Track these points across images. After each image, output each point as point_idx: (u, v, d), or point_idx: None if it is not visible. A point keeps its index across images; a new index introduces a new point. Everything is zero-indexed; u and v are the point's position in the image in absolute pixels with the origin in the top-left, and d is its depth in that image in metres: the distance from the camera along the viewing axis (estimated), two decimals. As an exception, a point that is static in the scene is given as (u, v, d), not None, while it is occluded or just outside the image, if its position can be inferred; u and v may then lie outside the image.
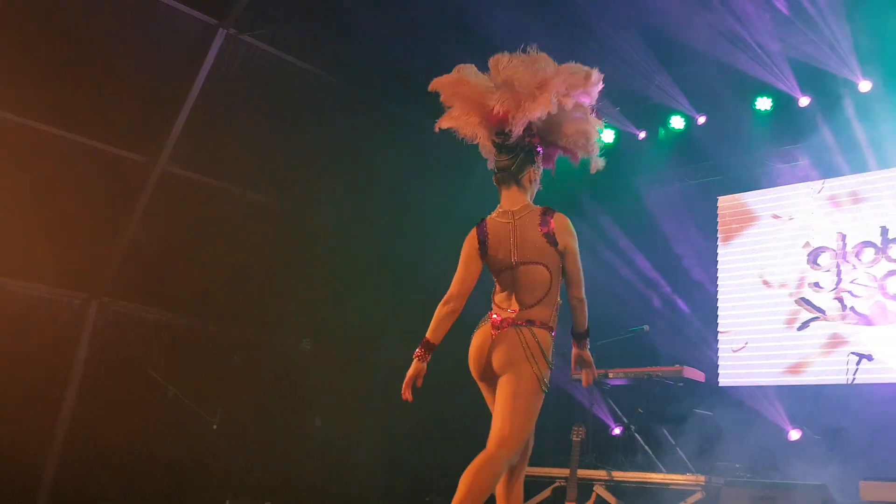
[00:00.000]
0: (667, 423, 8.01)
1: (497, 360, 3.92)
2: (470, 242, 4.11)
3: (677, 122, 9.81)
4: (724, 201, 9.78)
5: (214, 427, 8.27)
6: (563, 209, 4.11)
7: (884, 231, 8.57)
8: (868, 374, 7.52)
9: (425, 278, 9.18)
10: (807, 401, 8.26)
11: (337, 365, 9.40)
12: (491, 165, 4.20)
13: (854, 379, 7.21)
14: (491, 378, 3.99)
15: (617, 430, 8.52)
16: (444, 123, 4.24)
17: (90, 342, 8.14)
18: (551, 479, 7.31)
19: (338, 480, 8.70)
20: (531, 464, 8.00)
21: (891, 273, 8.41)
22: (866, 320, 8.41)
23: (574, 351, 4.12)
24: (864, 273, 8.58)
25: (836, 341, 8.51)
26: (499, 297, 4.06)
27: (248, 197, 8.83)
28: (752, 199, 9.57)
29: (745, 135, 9.28)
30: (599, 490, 7.21)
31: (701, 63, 8.88)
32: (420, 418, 9.02)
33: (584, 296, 4.01)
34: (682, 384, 7.93)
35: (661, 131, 9.99)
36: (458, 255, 4.12)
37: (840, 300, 8.67)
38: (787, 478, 7.06)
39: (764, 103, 9.15)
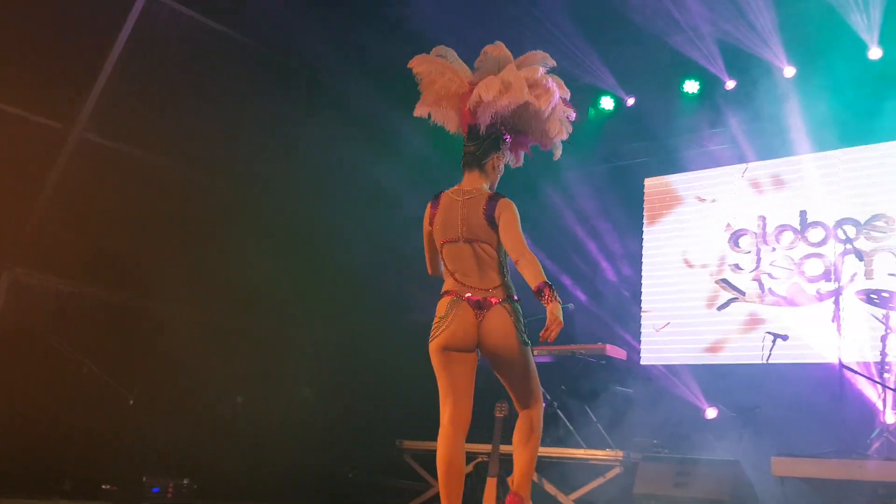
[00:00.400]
0: (588, 399, 8.13)
1: (493, 340, 4.17)
2: (425, 218, 4.35)
3: (607, 103, 10.01)
4: (650, 183, 10.02)
5: (131, 402, 8.14)
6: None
7: (802, 215, 8.89)
8: (783, 354, 7.80)
9: (345, 254, 9.26)
10: (724, 379, 8.51)
11: (258, 342, 9.30)
12: None
13: (769, 358, 7.47)
14: (465, 353, 4.23)
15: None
16: (419, 111, 4.43)
17: (1, 314, 7.94)
18: (474, 455, 7.31)
19: (259, 458, 8.66)
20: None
21: (808, 256, 8.75)
22: (784, 301, 8.75)
23: (551, 315, 4.19)
24: (783, 255, 8.90)
25: (753, 321, 8.83)
26: (458, 274, 4.25)
27: (167, 166, 8.66)
28: (678, 181, 9.82)
29: (673, 117, 9.50)
30: (519, 465, 7.37)
31: (631, 44, 9.08)
32: (340, 396, 9.15)
33: (525, 254, 4.12)
34: (604, 362, 8.09)
35: (591, 111, 10.10)
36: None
37: (759, 282, 8.99)
38: (703, 454, 7.24)
39: (691, 86, 9.38)
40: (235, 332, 9.14)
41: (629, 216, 9.94)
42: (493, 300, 4.15)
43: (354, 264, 9.37)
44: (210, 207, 8.88)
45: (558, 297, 4.03)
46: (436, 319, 4.22)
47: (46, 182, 7.97)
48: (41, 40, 7.56)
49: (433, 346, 4.21)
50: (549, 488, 7.16)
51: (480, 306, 4.15)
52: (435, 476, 7.91)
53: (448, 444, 4.17)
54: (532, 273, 4.05)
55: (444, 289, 4.31)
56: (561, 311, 4.02)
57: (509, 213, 4.19)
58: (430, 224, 4.32)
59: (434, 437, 4.36)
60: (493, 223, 4.16)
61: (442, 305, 4.23)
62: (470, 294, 4.17)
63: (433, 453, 8.10)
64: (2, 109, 7.66)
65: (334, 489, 8.66)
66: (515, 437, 4.34)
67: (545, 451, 7.30)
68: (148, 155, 8.54)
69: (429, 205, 4.34)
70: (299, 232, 9.35)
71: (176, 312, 8.82)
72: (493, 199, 4.21)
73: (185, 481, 8.13)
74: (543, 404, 4.43)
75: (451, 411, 4.19)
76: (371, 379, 9.35)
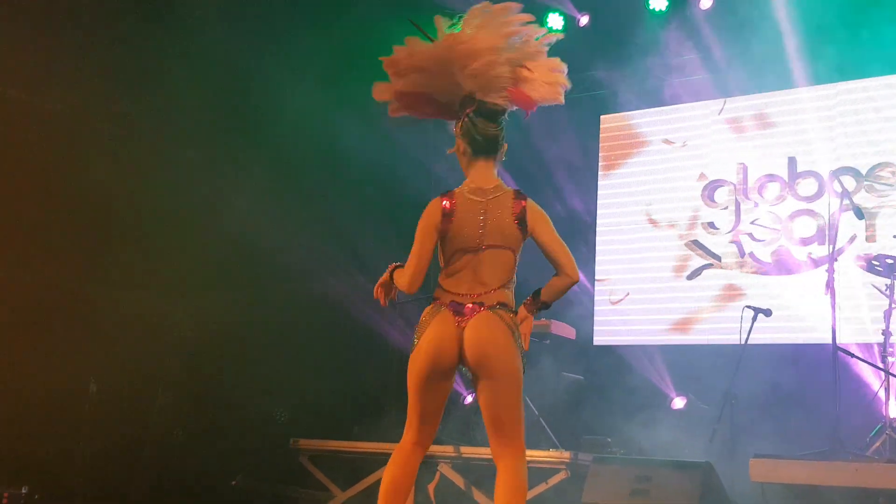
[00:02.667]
0: (528, 388, 7.90)
1: (477, 349, 3.99)
2: (432, 215, 4.13)
3: (555, 22, 9.74)
4: (607, 121, 9.88)
5: None
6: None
7: (792, 163, 8.79)
8: (765, 332, 7.69)
9: (229, 211, 9.02)
10: (694, 363, 8.43)
11: (122, 318, 9.08)
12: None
13: (749, 337, 7.36)
14: (445, 374, 4.09)
15: (469, 398, 8.57)
16: (397, 113, 4.36)
17: None
18: (383, 456, 7.27)
19: (119, 461, 8.46)
20: (360, 438, 8.08)
21: (798, 213, 8.66)
22: (767, 269, 8.66)
23: (524, 311, 4.19)
24: (767, 212, 8.81)
25: (731, 293, 8.76)
26: (449, 281, 4.13)
27: (60, 111, 8.49)
28: (641, 120, 9.68)
29: (636, 41, 9.32)
30: (444, 469, 7.20)
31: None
32: (221, 384, 8.94)
33: (577, 277, 4.20)
34: (548, 341, 7.99)
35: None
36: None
37: (738, 244, 8.89)
38: (667, 454, 7.19)
39: (659, 2, 9.23)
40: (89, 307, 8.85)
41: (581, 162, 9.82)
42: (492, 304, 4.05)
43: (239, 225, 9.11)
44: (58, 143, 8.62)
45: None
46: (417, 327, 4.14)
47: None
48: None
49: (410, 360, 4.12)
50: (480, 497, 7.06)
51: (464, 313, 4.04)
52: (340, 482, 7.89)
53: (401, 466, 4.10)
54: (561, 292, 4.27)
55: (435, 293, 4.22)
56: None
57: (544, 217, 4.24)
58: (446, 225, 4.14)
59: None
60: (523, 227, 4.16)
61: (425, 312, 4.18)
62: (457, 300, 4.09)
63: (337, 455, 7.97)
64: None
65: (215, 499, 8.41)
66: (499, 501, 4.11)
67: (473, 451, 7.19)
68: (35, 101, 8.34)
69: (443, 201, 4.16)
70: (173, 180, 9.06)
71: (24, 283, 8.54)
72: (519, 197, 4.20)
73: (24, 490, 7.96)
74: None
75: (416, 434, 4.11)
76: (259, 363, 9.18)
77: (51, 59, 8.45)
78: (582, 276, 9.43)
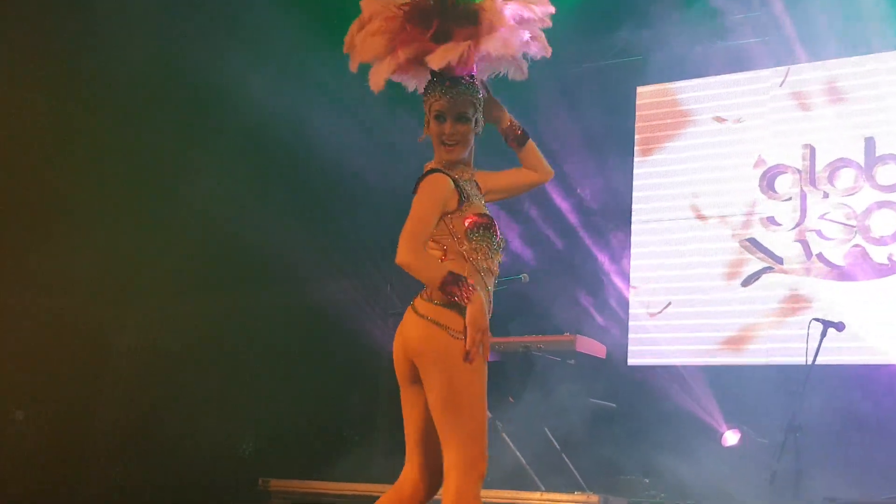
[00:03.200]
0: (550, 418, 7.95)
1: (401, 354, 4.20)
2: (449, 191, 4.20)
3: (586, -23, 9.77)
4: (645, 94, 9.81)
5: None
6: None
7: (869, 144, 8.70)
8: (838, 350, 7.61)
9: (184, 221, 9.01)
10: (750, 388, 8.37)
11: (56, 336, 9.08)
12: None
13: (816, 358, 7.31)
14: (406, 386, 4.21)
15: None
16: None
17: None
18: (373, 498, 7.24)
19: (51, 496, 8.48)
20: (345, 479, 8.04)
21: (877, 206, 8.57)
22: (839, 273, 8.58)
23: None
24: (840, 205, 8.73)
25: (794, 304, 8.66)
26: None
27: None
28: (686, 93, 9.60)
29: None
30: (447, 516, 7.18)
31: None
32: (175, 411, 8.91)
33: (399, 259, 4.13)
34: (572, 362, 7.96)
35: (565, -11, 9.89)
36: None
37: (804, 243, 8.81)
38: (717, 499, 7.13)
39: (706, -49, 9.18)
40: (41, 325, 8.89)
41: (613, 144, 9.76)
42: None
43: (196, 220, 9.11)
44: None
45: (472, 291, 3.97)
46: None
47: None
48: None
49: None
50: None
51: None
52: None
53: None
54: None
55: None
56: (484, 313, 3.98)
57: (419, 191, 4.25)
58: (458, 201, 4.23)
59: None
60: None
61: None
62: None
63: (317, 499, 7.94)
64: None
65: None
66: None
67: (487, 495, 7.10)
68: None
69: (452, 181, 4.24)
70: (114, 170, 9.09)
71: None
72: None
73: None
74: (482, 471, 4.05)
75: (408, 466, 4.19)
76: (221, 385, 9.15)
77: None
78: (615, 283, 9.48)
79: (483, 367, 4.03)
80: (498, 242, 4.20)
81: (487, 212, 4.23)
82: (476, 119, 4.28)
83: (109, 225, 8.97)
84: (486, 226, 4.14)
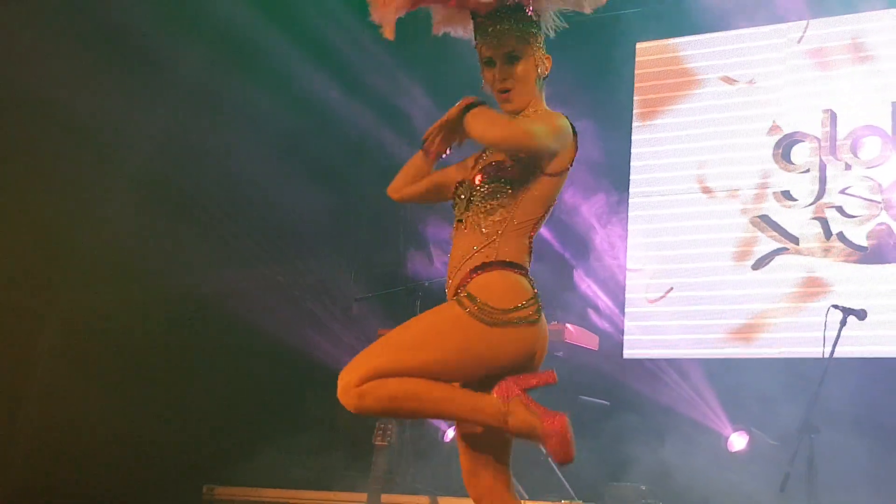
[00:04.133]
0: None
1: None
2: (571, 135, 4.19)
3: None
4: (646, 51, 9.87)
5: None
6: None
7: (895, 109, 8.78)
8: (859, 341, 7.64)
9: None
10: (760, 383, 8.34)
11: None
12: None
13: (835, 349, 7.32)
14: None
15: (450, 433, 8.54)
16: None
17: None
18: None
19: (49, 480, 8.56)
20: (289, 486, 8.06)
21: (906, 180, 8.62)
22: (862, 255, 8.59)
23: None
24: (864, 178, 8.76)
25: (812, 288, 8.70)
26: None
27: None
28: (691, 50, 9.65)
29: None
30: (418, 528, 7.23)
31: None
32: (110, 410, 8.89)
33: None
34: (561, 353, 8.00)
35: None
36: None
37: (823, 221, 8.83)
38: None
39: None
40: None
41: (609, 105, 9.78)
42: None
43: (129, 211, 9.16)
44: None
45: None
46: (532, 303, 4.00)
47: None
48: None
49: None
50: None
51: None
52: None
53: None
54: None
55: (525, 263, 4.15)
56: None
57: None
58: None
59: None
60: None
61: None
62: None
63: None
64: None
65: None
66: None
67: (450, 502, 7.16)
68: None
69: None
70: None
71: None
72: None
73: None
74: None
75: None
76: (161, 383, 9.19)
77: None
78: (610, 265, 9.49)
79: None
80: None
81: None
82: (536, 57, 4.15)
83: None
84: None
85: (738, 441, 8.46)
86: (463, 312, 3.79)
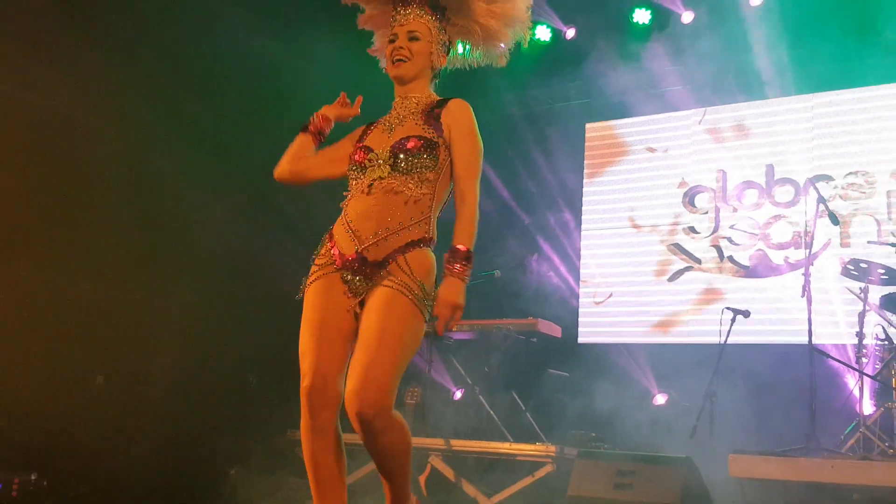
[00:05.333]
0: (516, 384, 7.86)
1: None
2: None
3: (543, 34, 9.65)
4: (592, 129, 9.70)
5: None
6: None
7: (769, 170, 8.63)
8: (744, 332, 7.48)
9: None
10: (675, 362, 8.24)
11: (124, 313, 8.93)
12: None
13: (728, 337, 7.20)
14: None
15: (458, 394, 8.41)
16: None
17: None
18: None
19: (119, 444, 8.31)
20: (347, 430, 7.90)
21: (775, 219, 8.50)
22: (745, 272, 8.50)
23: None
24: (746, 218, 8.64)
25: (710, 295, 8.58)
26: None
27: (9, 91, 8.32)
28: (625, 129, 9.50)
29: (620, 52, 9.14)
30: (435, 461, 7.04)
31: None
32: (217, 376, 8.75)
33: None
34: (535, 339, 7.83)
35: (524, 44, 9.77)
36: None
37: (717, 248, 8.72)
38: (650, 449, 6.99)
39: (642, 16, 9.12)
40: (91, 303, 8.70)
41: (567, 168, 9.64)
42: None
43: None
44: (67, 147, 8.48)
45: None
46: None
47: None
48: None
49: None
50: (469, 489, 6.88)
51: None
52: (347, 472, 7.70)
53: None
54: None
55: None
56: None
57: None
58: None
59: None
60: None
61: None
62: None
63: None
64: None
65: (212, 490, 8.23)
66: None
67: (463, 444, 7.05)
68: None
69: None
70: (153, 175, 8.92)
71: (24, 276, 8.39)
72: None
73: (33, 477, 7.89)
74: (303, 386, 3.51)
75: None
76: (254, 357, 8.95)
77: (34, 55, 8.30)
78: (567, 278, 9.37)
79: (310, 290, 3.50)
80: None
81: None
82: (433, 47, 3.66)
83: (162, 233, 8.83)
84: None
85: (660, 399, 8.37)
86: (417, 310, 3.34)
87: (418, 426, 7.15)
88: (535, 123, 9.79)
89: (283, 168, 3.74)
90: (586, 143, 9.68)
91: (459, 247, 3.40)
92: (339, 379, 3.37)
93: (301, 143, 3.76)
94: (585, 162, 9.65)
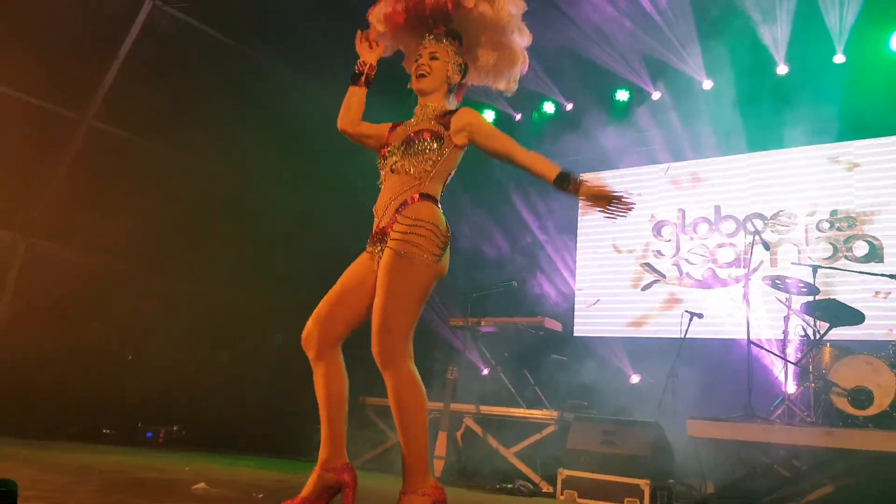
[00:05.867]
0: (528, 365, 7.77)
1: None
2: None
3: (549, 108, 9.62)
4: (585, 178, 9.53)
5: (129, 358, 7.94)
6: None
7: (717, 209, 8.48)
8: (699, 330, 7.35)
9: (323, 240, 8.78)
10: (646, 351, 8.13)
11: (242, 308, 8.94)
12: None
13: (687, 333, 7.05)
14: None
15: (485, 371, 8.31)
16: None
17: (16, 280, 7.60)
18: (428, 412, 7.02)
19: (240, 406, 8.30)
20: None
21: (721, 245, 8.34)
22: (699, 284, 8.35)
23: None
24: (699, 244, 8.49)
25: (673, 301, 8.42)
26: None
27: (164, 150, 8.36)
28: (609, 177, 9.34)
29: (606, 121, 9.05)
30: (468, 421, 6.99)
31: (570, 58, 8.65)
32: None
33: None
34: (542, 333, 7.73)
35: (535, 115, 9.74)
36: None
37: (678, 266, 8.57)
38: (628, 415, 6.95)
39: (622, 94, 9.03)
40: (218, 301, 8.74)
41: (567, 207, 9.49)
42: None
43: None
44: (199, 189, 8.51)
45: None
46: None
47: (60, 164, 7.81)
48: (58, 40, 7.23)
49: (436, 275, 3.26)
50: (493, 442, 6.88)
51: None
52: (392, 429, 7.62)
53: None
54: None
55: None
56: None
57: None
58: None
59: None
60: None
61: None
62: None
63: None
64: (23, 99, 7.41)
65: (306, 438, 8.17)
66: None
67: (489, 409, 6.98)
68: (146, 142, 8.26)
69: None
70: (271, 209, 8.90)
71: (170, 282, 8.46)
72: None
73: (175, 427, 7.99)
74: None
75: None
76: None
77: (197, 119, 8.29)
78: (567, 286, 9.26)
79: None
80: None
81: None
82: (449, 67, 3.47)
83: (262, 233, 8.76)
84: None
85: (634, 378, 8.22)
86: (408, 263, 3.07)
87: (456, 395, 7.04)
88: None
89: (341, 122, 3.53)
90: (581, 189, 9.52)
91: (554, 176, 3.30)
92: (332, 322, 3.16)
93: (351, 94, 3.53)
94: (579, 204, 9.45)
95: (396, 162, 3.26)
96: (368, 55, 3.56)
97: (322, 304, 3.21)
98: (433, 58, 3.44)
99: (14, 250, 7.60)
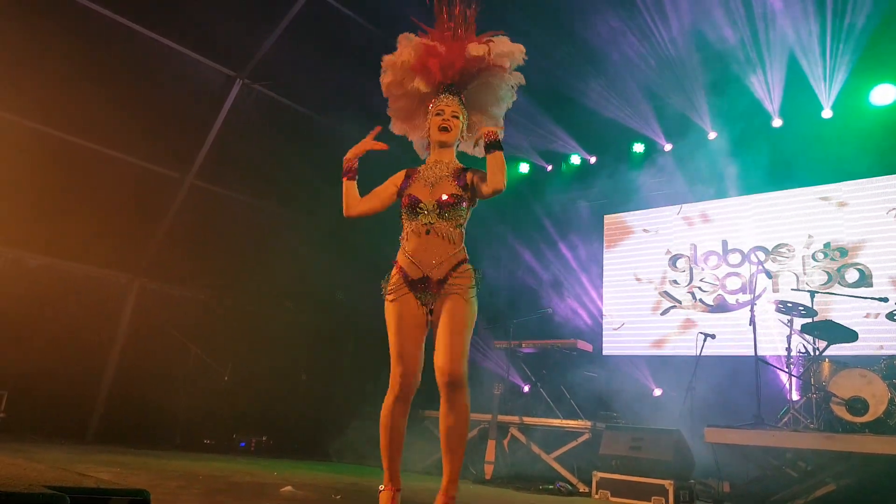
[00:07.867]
0: (564, 381, 7.78)
1: None
2: None
3: (575, 160, 9.70)
4: (608, 219, 9.59)
5: (226, 378, 8.08)
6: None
7: (724, 243, 8.45)
8: (711, 349, 7.31)
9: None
10: (666, 367, 8.10)
11: (319, 333, 9.10)
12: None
13: (702, 352, 7.03)
14: None
15: (526, 388, 8.35)
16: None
17: (132, 313, 7.86)
18: (477, 423, 7.11)
19: (316, 420, 8.42)
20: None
21: (729, 274, 8.29)
22: (711, 309, 8.32)
23: None
24: (710, 274, 8.46)
25: (688, 324, 8.38)
26: None
27: (256, 204, 8.61)
28: (629, 218, 9.41)
29: (625, 170, 9.11)
30: (514, 431, 7.02)
31: (591, 117, 8.74)
32: (363, 374, 8.74)
33: None
34: (575, 353, 7.75)
35: (564, 166, 9.83)
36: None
37: (692, 293, 8.55)
38: (651, 424, 6.88)
39: (639, 147, 9.07)
40: (302, 327, 8.90)
41: (594, 244, 9.53)
42: None
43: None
44: (282, 233, 8.72)
45: None
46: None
47: (166, 216, 7.98)
48: (166, 114, 7.58)
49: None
50: (535, 448, 6.87)
51: None
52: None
53: None
54: None
55: None
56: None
57: None
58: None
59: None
60: None
61: None
62: None
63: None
64: (133, 162, 7.73)
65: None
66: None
67: (531, 420, 7.00)
68: (241, 196, 8.47)
69: None
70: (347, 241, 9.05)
71: (256, 313, 8.65)
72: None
73: (264, 438, 8.05)
74: (394, 388, 3.27)
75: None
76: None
77: (281, 177, 8.47)
78: (596, 312, 9.27)
79: (391, 306, 3.22)
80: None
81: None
82: (462, 126, 3.40)
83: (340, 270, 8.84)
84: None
85: (657, 391, 8.15)
86: (471, 305, 3.14)
87: (502, 408, 7.11)
88: (574, 216, 9.76)
89: (348, 212, 3.35)
90: (605, 228, 9.57)
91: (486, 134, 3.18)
92: (419, 367, 3.20)
93: (349, 188, 3.35)
94: (605, 239, 9.53)
95: (433, 224, 3.21)
96: (357, 149, 3.40)
97: (402, 349, 3.20)
98: (454, 115, 3.34)
99: (129, 288, 7.90)
